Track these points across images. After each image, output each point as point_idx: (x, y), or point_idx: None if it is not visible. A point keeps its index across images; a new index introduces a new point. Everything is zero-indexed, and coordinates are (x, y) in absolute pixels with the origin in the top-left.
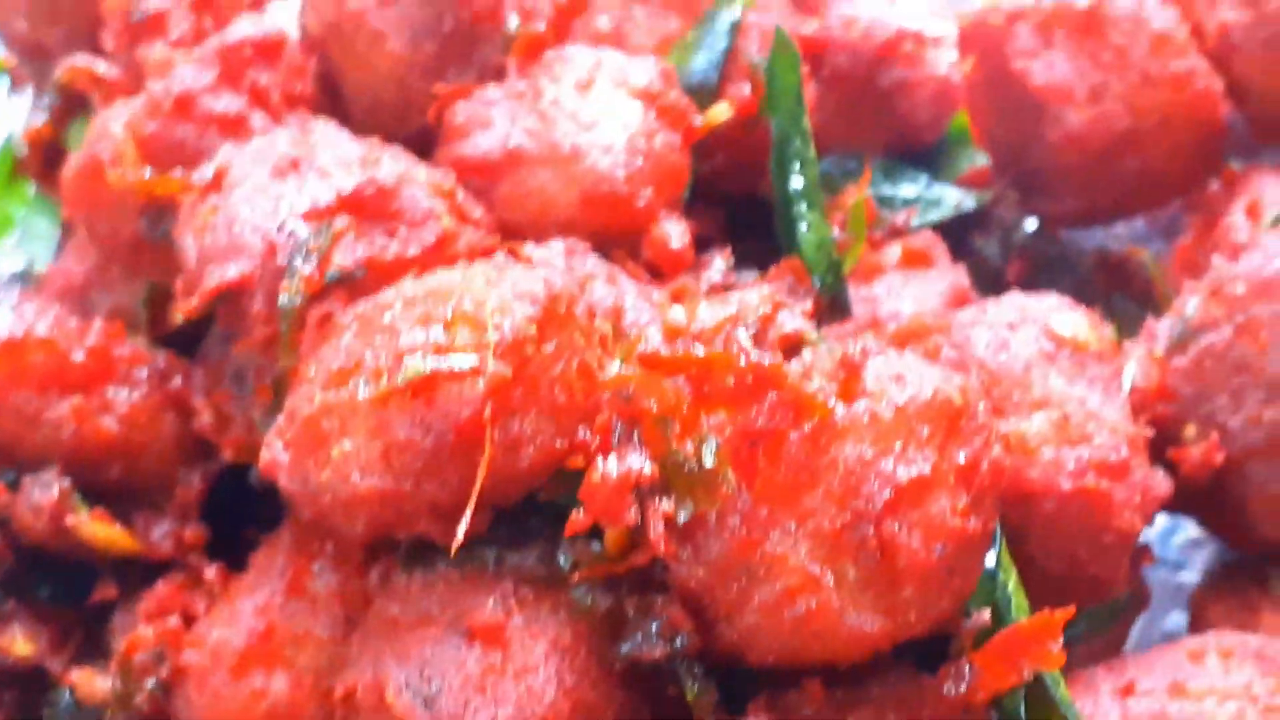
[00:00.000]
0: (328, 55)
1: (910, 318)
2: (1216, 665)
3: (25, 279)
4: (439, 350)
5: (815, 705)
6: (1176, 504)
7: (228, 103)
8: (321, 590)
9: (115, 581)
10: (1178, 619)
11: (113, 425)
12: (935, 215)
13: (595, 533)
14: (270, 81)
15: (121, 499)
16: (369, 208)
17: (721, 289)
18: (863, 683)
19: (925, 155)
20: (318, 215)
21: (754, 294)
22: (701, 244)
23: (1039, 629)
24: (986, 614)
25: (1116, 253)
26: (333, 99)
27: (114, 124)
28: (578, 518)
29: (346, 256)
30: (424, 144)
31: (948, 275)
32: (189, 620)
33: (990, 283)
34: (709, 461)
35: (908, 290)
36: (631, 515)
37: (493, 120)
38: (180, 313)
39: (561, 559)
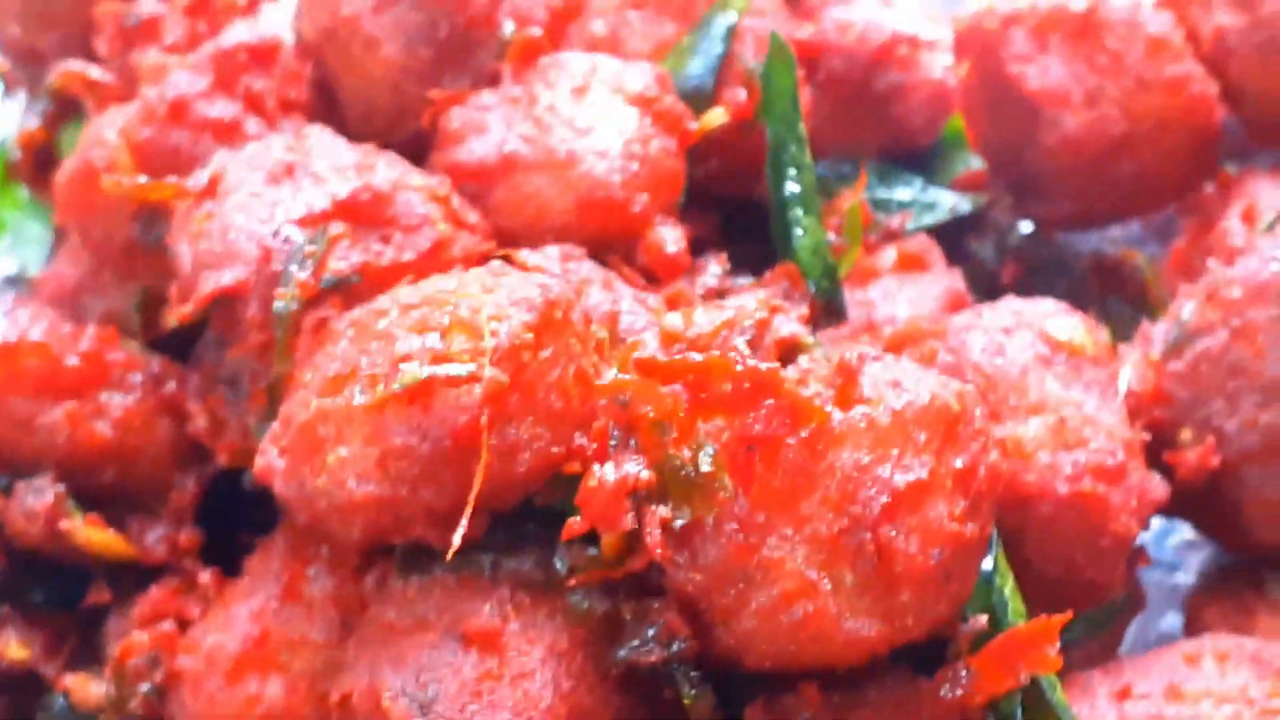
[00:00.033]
0: (322, 61)
1: (906, 322)
2: (1213, 668)
3: (18, 283)
4: (435, 357)
5: (812, 709)
6: (1172, 507)
7: (222, 108)
8: (317, 595)
9: (109, 586)
10: (1173, 620)
11: (106, 430)
12: (930, 219)
13: (592, 538)
14: (265, 87)
15: (116, 504)
16: (364, 213)
17: (717, 294)
18: (860, 687)
19: (920, 159)
20: (313, 221)
21: (750, 299)
22: (697, 248)
23: (1036, 633)
24: (983, 618)
25: (1112, 256)
26: (327, 105)
27: (108, 130)
28: (574, 523)
29: (342, 262)
30: (419, 150)
31: (943, 279)
32: (183, 625)
33: (985, 286)
34: (706, 467)
35: (903, 294)
36: (628, 520)
37: (488, 126)
38: (175, 319)
39: (558, 564)
